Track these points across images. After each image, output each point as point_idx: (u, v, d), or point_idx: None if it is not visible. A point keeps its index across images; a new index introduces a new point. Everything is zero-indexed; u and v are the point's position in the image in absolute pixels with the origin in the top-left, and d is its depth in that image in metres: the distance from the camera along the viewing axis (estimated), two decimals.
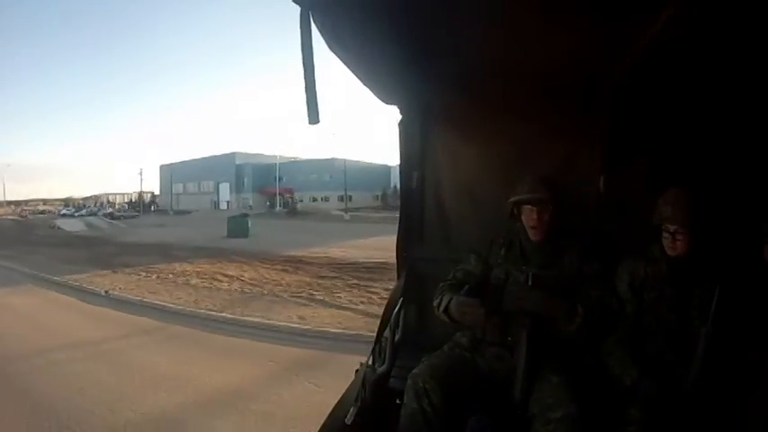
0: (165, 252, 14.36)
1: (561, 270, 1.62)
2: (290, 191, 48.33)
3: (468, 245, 1.84)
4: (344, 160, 43.32)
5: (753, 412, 1.30)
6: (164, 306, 7.17)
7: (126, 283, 9.30)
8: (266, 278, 9.41)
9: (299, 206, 43.27)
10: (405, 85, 1.79)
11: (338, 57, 1.28)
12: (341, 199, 41.93)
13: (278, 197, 48.06)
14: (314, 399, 3.65)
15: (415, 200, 2.21)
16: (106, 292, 8.38)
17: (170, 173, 58.85)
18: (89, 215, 41.15)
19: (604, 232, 1.77)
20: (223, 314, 6.51)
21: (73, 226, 29.27)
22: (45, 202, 69.83)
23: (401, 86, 1.81)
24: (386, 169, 50.98)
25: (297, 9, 1.02)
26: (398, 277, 2.20)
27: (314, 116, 1.04)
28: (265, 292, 8.13)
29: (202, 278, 9.56)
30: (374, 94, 1.79)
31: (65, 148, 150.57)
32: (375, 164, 51.90)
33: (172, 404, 3.71)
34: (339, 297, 7.52)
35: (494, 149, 2.03)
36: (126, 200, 64.92)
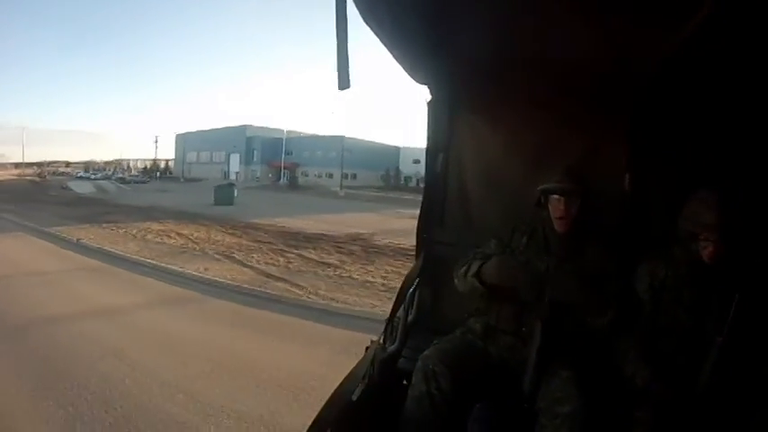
0: (148, 213, 16.21)
1: (582, 264, 1.59)
2: (295, 165, 50.05)
3: (488, 231, 1.83)
4: (343, 137, 44.51)
5: (760, 423, 1.30)
6: (113, 252, 8.96)
7: (97, 235, 11.16)
8: (210, 239, 11.06)
9: (301, 181, 45.14)
10: (435, 65, 1.75)
11: (372, 30, 1.26)
12: (346, 176, 43.55)
13: (283, 171, 49.88)
14: (161, 321, 5.27)
15: (438, 182, 2.20)
16: (77, 240, 10.28)
17: (184, 142, 61.33)
18: (103, 179, 43.49)
19: (628, 230, 1.77)
20: (150, 261, 8.21)
21: (83, 188, 31.32)
22: (68, 164, 73.80)
23: (432, 67, 1.77)
24: (395, 150, 52.27)
25: None
26: (416, 258, 2.23)
27: (345, 81, 1.04)
28: (198, 248, 9.76)
29: (158, 235, 11.28)
30: (405, 71, 1.75)
31: (99, 116, 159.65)
32: (385, 144, 53.17)
33: (71, 310, 5.45)
34: (252, 257, 8.96)
35: (520, 138, 2.04)
36: (143, 166, 68.23)
